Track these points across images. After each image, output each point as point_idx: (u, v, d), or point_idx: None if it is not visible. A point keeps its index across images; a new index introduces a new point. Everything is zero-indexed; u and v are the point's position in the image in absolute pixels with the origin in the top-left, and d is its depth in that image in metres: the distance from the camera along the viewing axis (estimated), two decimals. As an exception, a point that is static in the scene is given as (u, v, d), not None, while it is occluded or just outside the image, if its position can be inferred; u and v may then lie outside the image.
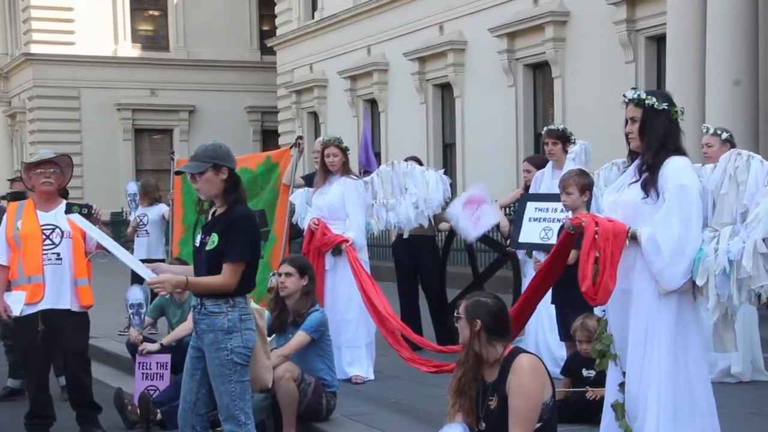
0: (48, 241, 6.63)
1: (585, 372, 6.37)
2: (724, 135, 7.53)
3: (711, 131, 7.57)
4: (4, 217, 6.85)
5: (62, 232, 6.63)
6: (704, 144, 7.56)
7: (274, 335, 6.71)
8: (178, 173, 5.06)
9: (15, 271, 6.67)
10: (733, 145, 7.29)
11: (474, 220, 8.24)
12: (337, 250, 8.03)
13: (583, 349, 6.39)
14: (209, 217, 5.18)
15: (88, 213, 6.41)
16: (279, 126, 28.01)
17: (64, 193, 7.23)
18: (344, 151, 8.25)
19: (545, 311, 7.13)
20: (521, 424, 4.41)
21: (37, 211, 6.71)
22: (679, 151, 4.52)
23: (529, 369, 4.51)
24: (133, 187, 12.23)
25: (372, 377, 8.01)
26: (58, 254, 6.63)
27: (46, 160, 6.75)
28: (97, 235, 5.54)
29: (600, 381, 6.18)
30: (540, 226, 7.59)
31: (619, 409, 4.56)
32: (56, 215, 6.63)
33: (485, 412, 4.59)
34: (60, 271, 6.63)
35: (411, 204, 8.50)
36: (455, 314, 4.72)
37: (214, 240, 4.91)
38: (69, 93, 30.53)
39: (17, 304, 6.63)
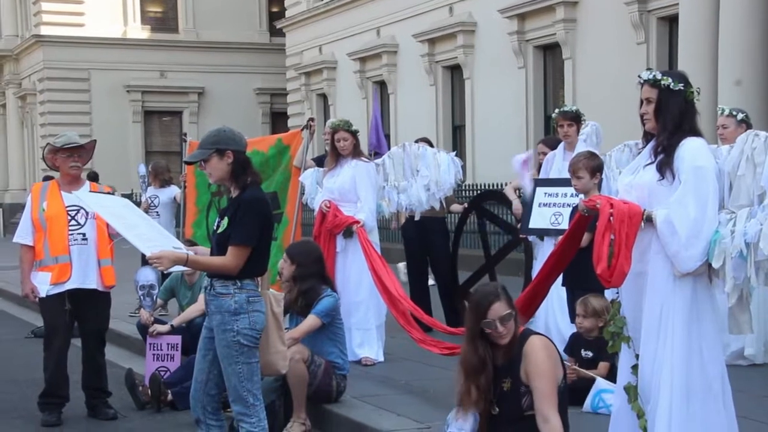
0: (73, 222, 6.71)
1: (583, 352, 6.41)
2: (740, 116, 7.46)
3: (726, 112, 7.50)
4: (29, 198, 6.91)
5: (87, 213, 6.72)
6: (720, 125, 7.51)
7: (287, 315, 6.74)
8: (187, 163, 5.09)
9: (41, 251, 6.74)
10: (749, 126, 7.23)
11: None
12: (348, 232, 8.02)
13: (578, 323, 6.40)
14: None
15: None
16: (288, 108, 27.99)
17: (94, 177, 7.30)
18: (354, 134, 8.22)
19: (556, 294, 7.10)
20: (551, 402, 4.41)
21: (62, 193, 6.76)
22: (695, 132, 4.47)
23: (542, 349, 4.50)
24: (143, 169, 12.31)
25: (382, 359, 8.02)
26: (84, 234, 6.73)
27: (78, 146, 6.80)
28: (101, 210, 5.59)
29: (596, 362, 6.26)
30: (550, 212, 7.57)
31: (632, 391, 4.54)
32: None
33: (499, 395, 4.57)
34: (86, 252, 6.72)
35: (422, 186, 8.47)
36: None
37: (224, 223, 4.94)
38: (79, 75, 30.59)
39: (43, 285, 6.70)
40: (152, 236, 5.12)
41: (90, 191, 6.68)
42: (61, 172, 6.88)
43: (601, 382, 6.00)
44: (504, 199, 9.41)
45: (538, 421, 4.41)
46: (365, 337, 8.05)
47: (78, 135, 7.01)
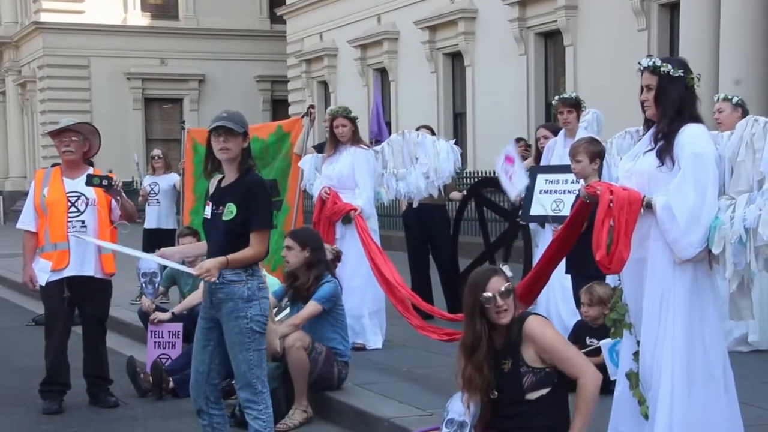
0: (73, 209, 6.69)
1: (588, 340, 6.41)
2: (735, 99, 7.53)
3: (722, 97, 7.59)
4: (32, 184, 6.91)
5: (87, 200, 6.70)
6: (716, 110, 7.58)
7: (287, 309, 6.72)
8: (225, 128, 4.91)
9: (42, 238, 6.75)
10: (744, 110, 7.29)
11: (508, 179, 8.14)
12: (346, 219, 8.01)
13: (584, 311, 6.41)
14: (212, 187, 5.11)
15: (108, 185, 6.46)
16: (289, 95, 27.95)
17: (88, 164, 7.25)
18: (353, 120, 8.22)
19: (557, 281, 7.11)
20: (574, 364, 4.40)
21: (64, 179, 6.76)
22: (696, 119, 4.47)
23: (543, 326, 4.50)
24: (136, 157, 12.45)
25: (379, 345, 8.01)
26: (83, 222, 6.70)
27: (65, 129, 6.77)
28: (119, 248, 5.63)
29: (599, 350, 6.23)
30: (551, 198, 7.57)
31: (633, 378, 4.55)
32: (79, 183, 6.66)
33: (499, 377, 4.55)
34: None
35: (421, 174, 8.46)
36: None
37: (232, 210, 4.87)
38: (79, 62, 30.56)
39: (43, 273, 6.69)
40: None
41: (90, 174, 6.66)
42: (61, 158, 6.89)
43: (605, 343, 5.94)
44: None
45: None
46: (361, 324, 8.04)
47: (76, 120, 6.99)
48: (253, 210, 4.86)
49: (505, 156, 8.16)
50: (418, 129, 9.14)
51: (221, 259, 4.84)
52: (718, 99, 7.67)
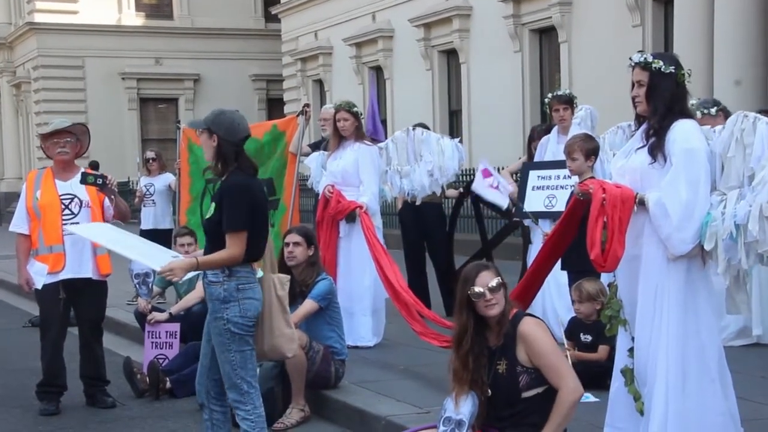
0: (67, 211, 6.68)
1: (582, 337, 6.43)
2: (713, 110, 7.33)
3: (699, 115, 7.20)
4: (24, 187, 6.89)
5: (81, 202, 6.68)
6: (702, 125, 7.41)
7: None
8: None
9: (36, 241, 6.73)
10: (726, 113, 7.13)
11: (495, 190, 8.25)
12: (351, 217, 7.97)
13: (575, 308, 6.46)
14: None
15: (103, 184, 6.45)
16: (284, 94, 27.95)
17: (95, 166, 7.25)
18: (356, 115, 8.15)
19: (552, 277, 7.07)
20: (559, 372, 4.35)
21: (56, 181, 6.75)
22: (686, 114, 4.49)
23: (537, 327, 4.48)
24: (137, 158, 12.41)
25: (371, 344, 8.01)
26: (78, 224, 6.65)
27: (60, 130, 6.76)
28: (97, 238, 5.61)
29: (595, 345, 6.28)
30: (544, 194, 7.59)
31: (628, 374, 4.56)
32: (72, 185, 6.65)
33: (493, 377, 4.55)
34: (80, 241, 6.64)
35: (426, 172, 8.45)
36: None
37: (211, 209, 4.94)
38: (73, 62, 30.52)
39: (39, 276, 6.68)
40: (152, 252, 5.11)
41: (84, 172, 6.65)
42: (54, 160, 6.87)
43: None
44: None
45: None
46: (370, 322, 8.03)
47: (69, 121, 6.99)
48: (224, 211, 4.83)
49: (481, 172, 8.29)
50: (414, 128, 9.11)
51: (191, 260, 4.87)
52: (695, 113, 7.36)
